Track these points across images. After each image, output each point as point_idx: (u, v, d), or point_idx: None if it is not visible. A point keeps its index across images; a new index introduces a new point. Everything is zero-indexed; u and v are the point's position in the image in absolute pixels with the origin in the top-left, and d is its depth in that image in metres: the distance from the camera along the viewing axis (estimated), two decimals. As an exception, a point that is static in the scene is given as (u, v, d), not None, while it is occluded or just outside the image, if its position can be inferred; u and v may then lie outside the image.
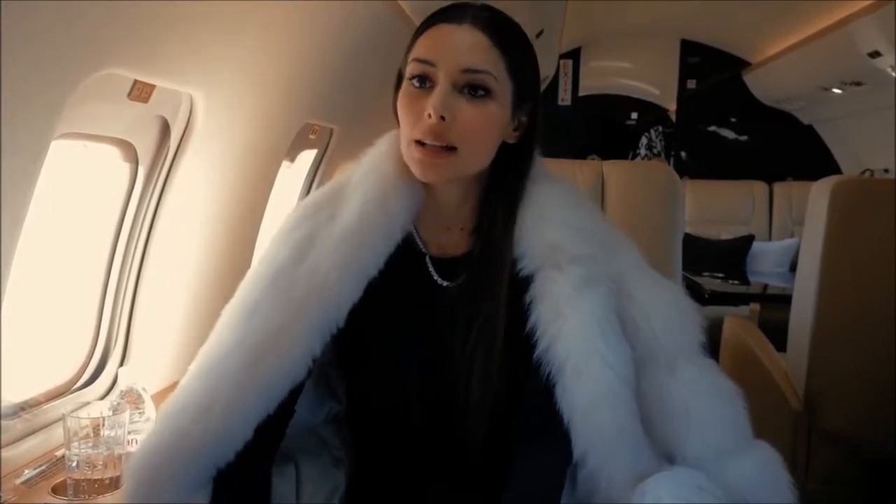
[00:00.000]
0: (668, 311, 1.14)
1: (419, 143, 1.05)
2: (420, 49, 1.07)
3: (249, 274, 1.15)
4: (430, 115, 1.03)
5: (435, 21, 1.09)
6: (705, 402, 1.11)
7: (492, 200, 1.14)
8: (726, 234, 5.35)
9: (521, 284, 1.10)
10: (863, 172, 5.20)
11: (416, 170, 1.07)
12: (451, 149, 1.05)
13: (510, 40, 1.09)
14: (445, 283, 1.15)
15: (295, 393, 1.09)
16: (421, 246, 1.17)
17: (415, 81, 1.06)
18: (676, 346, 1.13)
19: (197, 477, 1.04)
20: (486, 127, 1.07)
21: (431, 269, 1.16)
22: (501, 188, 1.14)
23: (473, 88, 1.05)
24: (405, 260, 1.13)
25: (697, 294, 4.06)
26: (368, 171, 1.15)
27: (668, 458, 1.09)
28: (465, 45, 1.05)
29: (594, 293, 1.09)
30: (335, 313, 1.08)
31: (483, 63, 1.05)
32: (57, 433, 1.47)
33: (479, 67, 1.05)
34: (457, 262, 1.15)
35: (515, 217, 1.13)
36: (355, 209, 1.12)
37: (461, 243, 1.16)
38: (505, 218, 1.13)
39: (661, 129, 7.75)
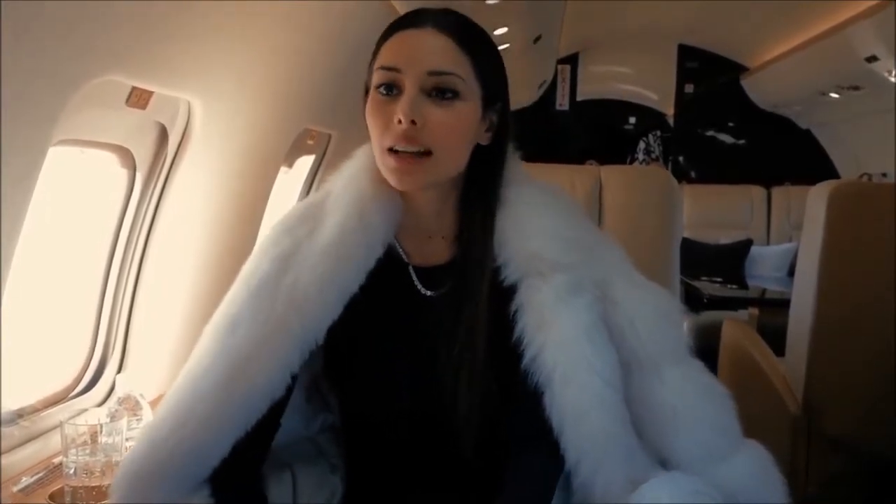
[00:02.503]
0: (653, 315, 1.13)
1: (392, 150, 1.04)
2: (384, 57, 1.07)
3: (231, 290, 1.14)
4: (400, 121, 1.03)
5: (397, 28, 1.09)
6: (693, 404, 1.11)
7: (470, 206, 1.14)
8: (725, 238, 5.35)
9: (506, 293, 1.10)
10: (860, 176, 5.21)
11: (391, 179, 1.07)
12: (425, 154, 1.04)
13: (475, 42, 1.09)
14: (429, 293, 1.14)
15: (276, 409, 1.08)
16: (403, 256, 1.16)
17: (381, 89, 1.06)
18: (662, 350, 1.12)
19: (176, 489, 1.03)
20: (457, 128, 1.07)
21: (415, 278, 1.15)
22: (477, 192, 1.14)
23: (441, 91, 1.04)
24: (388, 271, 1.12)
25: (696, 298, 4.06)
26: (346, 186, 1.15)
27: (661, 463, 1.08)
28: (429, 49, 1.05)
29: (579, 301, 1.09)
30: (315, 330, 1.07)
31: (449, 65, 1.05)
32: (55, 440, 1.46)
33: (445, 69, 1.05)
34: (440, 270, 1.15)
35: (493, 223, 1.12)
36: (335, 225, 1.11)
37: (443, 252, 1.16)
38: (483, 224, 1.12)
39: (659, 133, 7.73)
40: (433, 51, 1.05)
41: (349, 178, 1.16)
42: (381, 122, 1.05)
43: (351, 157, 1.19)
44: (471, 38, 1.09)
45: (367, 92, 1.10)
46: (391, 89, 1.05)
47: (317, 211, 1.16)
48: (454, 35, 1.06)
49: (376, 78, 1.07)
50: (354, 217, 1.11)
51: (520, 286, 1.10)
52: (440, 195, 1.14)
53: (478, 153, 1.13)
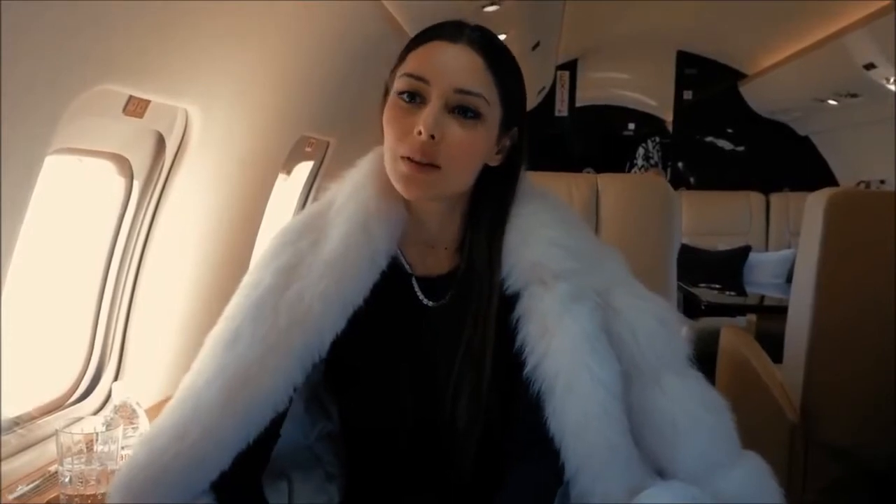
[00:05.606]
0: (653, 325, 1.13)
1: (405, 158, 1.04)
2: (413, 64, 1.06)
3: (232, 302, 1.14)
4: (420, 133, 1.02)
5: (430, 37, 1.08)
6: (692, 415, 1.11)
7: (475, 222, 1.14)
8: (723, 244, 5.35)
9: (508, 302, 1.10)
10: (858, 184, 5.21)
11: (399, 185, 1.06)
12: (434, 167, 1.04)
13: (504, 65, 1.09)
14: (431, 304, 1.14)
15: (276, 420, 1.08)
16: (407, 267, 1.16)
17: (405, 96, 1.05)
18: (661, 360, 1.12)
19: (173, 499, 1.03)
20: (472, 149, 1.07)
21: (417, 289, 1.15)
22: (485, 211, 1.14)
23: (464, 109, 1.04)
24: (391, 282, 1.12)
25: (694, 305, 4.05)
26: (350, 196, 1.14)
27: (658, 472, 1.08)
28: (460, 65, 1.05)
29: (581, 309, 1.08)
30: (318, 343, 1.07)
31: (477, 86, 1.05)
32: (51, 448, 1.46)
33: (473, 90, 1.04)
34: (442, 280, 1.15)
35: (501, 242, 1.12)
36: (339, 237, 1.11)
37: (445, 262, 1.16)
38: (489, 242, 1.12)
39: (658, 139, 7.77)
40: (463, 68, 1.05)
41: (353, 188, 1.15)
42: (400, 130, 1.05)
43: (354, 165, 1.18)
44: (501, 61, 1.09)
45: (387, 93, 1.09)
46: (414, 98, 1.05)
47: (319, 221, 1.15)
48: (486, 55, 1.06)
49: (400, 84, 1.06)
50: (358, 229, 1.10)
51: (522, 295, 1.10)
52: (446, 207, 1.14)
53: (487, 172, 1.13)
